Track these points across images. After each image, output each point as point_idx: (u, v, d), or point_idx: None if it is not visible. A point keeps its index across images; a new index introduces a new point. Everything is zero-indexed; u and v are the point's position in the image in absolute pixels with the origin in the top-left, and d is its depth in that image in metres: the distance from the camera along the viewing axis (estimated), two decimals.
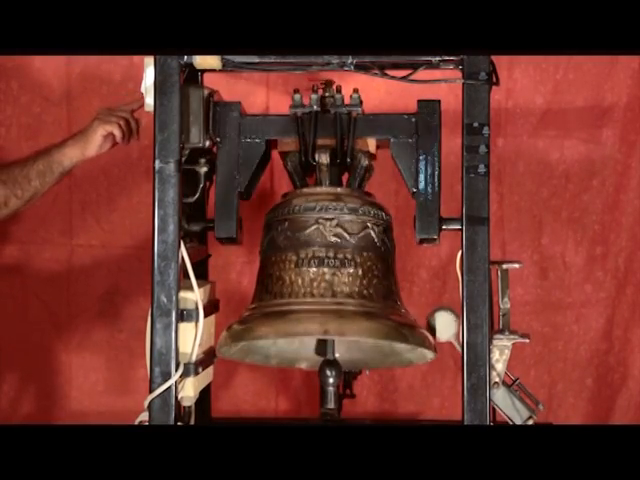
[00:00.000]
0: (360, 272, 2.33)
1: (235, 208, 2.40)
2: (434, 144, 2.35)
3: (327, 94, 2.41)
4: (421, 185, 2.34)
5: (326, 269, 2.32)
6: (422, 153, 2.35)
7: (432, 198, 2.34)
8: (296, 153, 2.41)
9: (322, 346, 2.43)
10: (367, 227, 2.35)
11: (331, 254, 2.32)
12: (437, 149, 2.35)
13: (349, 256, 2.33)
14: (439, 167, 2.34)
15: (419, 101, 2.37)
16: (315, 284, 2.31)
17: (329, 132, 2.39)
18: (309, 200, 2.36)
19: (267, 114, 2.45)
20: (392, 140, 2.37)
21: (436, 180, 2.34)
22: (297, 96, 2.38)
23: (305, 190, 2.41)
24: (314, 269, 2.32)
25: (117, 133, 2.50)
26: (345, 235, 2.33)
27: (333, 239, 2.33)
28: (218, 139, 2.39)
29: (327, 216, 2.33)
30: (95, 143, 2.51)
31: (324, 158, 2.36)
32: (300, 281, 2.32)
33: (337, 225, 2.33)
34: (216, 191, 2.41)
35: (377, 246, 2.36)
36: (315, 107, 2.37)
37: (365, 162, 2.40)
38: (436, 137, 2.34)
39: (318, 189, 2.39)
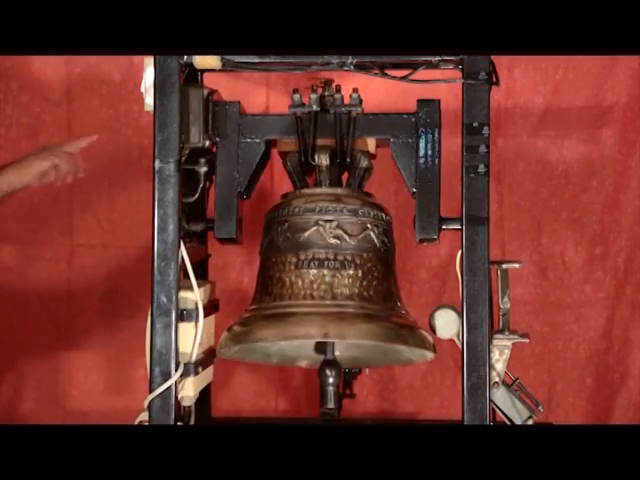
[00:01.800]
0: (360, 274, 2.33)
1: (235, 208, 2.40)
2: (434, 144, 2.34)
3: (327, 93, 2.41)
4: (421, 185, 2.34)
5: (326, 271, 2.32)
6: (422, 153, 2.34)
7: (432, 198, 2.33)
8: (296, 153, 2.40)
9: (322, 346, 2.43)
10: (367, 228, 2.35)
11: (331, 256, 2.32)
12: (437, 149, 2.34)
13: (349, 258, 2.33)
14: (439, 167, 2.34)
15: (419, 101, 2.36)
16: (315, 286, 2.31)
17: (329, 132, 2.38)
18: (309, 201, 2.36)
19: (267, 114, 2.44)
20: (392, 140, 2.36)
21: (436, 180, 2.34)
22: (296, 96, 2.37)
23: (305, 191, 2.41)
24: (314, 271, 2.32)
25: (51, 173, 2.52)
26: (345, 237, 2.33)
27: (333, 241, 2.33)
28: (217, 139, 2.39)
29: (327, 218, 2.33)
30: (29, 177, 2.52)
31: (324, 159, 2.36)
32: (300, 283, 2.32)
33: (337, 227, 2.33)
34: (216, 191, 2.41)
35: (377, 247, 2.36)
36: (314, 107, 2.36)
37: (365, 162, 2.40)
38: (436, 137, 2.34)
39: (318, 190, 2.39)
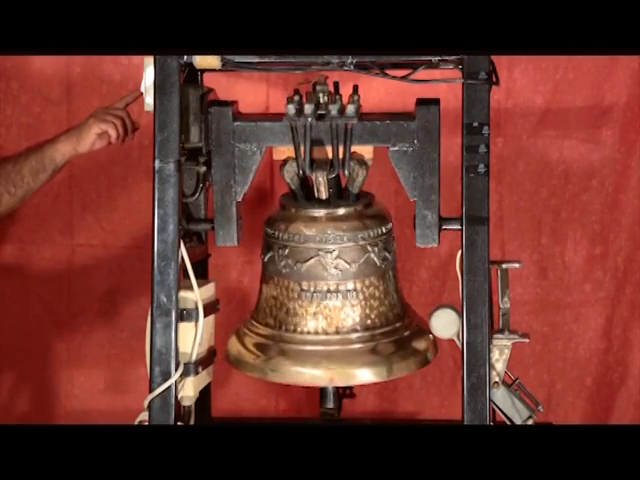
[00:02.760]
0: (362, 300, 2.35)
1: (234, 215, 2.36)
2: (434, 152, 2.30)
3: (322, 93, 2.35)
4: (421, 194, 2.31)
5: (329, 302, 2.33)
6: (422, 162, 2.30)
7: (432, 207, 2.31)
8: (292, 162, 2.35)
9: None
10: (367, 251, 2.34)
11: (333, 287, 2.33)
12: (437, 157, 2.30)
13: (350, 287, 2.34)
14: (439, 175, 2.30)
15: (418, 102, 2.31)
16: (319, 318, 2.34)
17: (325, 141, 2.32)
18: (309, 227, 2.34)
19: (262, 118, 2.40)
20: (391, 149, 2.31)
21: (436, 189, 2.30)
22: (290, 106, 2.27)
23: (303, 212, 2.36)
24: (317, 303, 2.33)
25: (112, 133, 2.50)
26: (346, 266, 2.33)
27: (334, 272, 2.33)
28: (212, 145, 2.34)
29: (327, 248, 2.32)
30: (88, 140, 2.50)
31: (321, 177, 2.32)
32: (304, 313, 2.34)
33: (338, 257, 2.32)
34: (214, 198, 2.37)
35: (378, 266, 2.36)
36: (310, 119, 2.26)
37: (363, 172, 2.35)
38: (436, 144, 2.29)
39: (316, 212, 2.35)
